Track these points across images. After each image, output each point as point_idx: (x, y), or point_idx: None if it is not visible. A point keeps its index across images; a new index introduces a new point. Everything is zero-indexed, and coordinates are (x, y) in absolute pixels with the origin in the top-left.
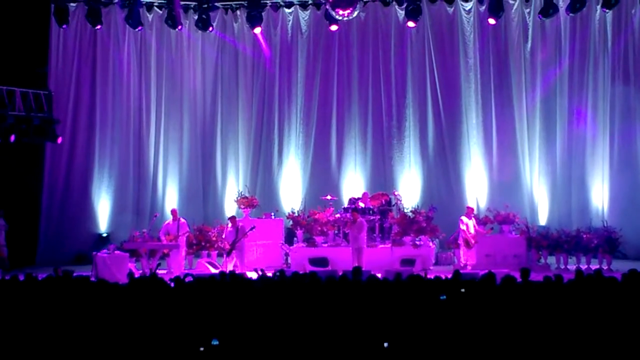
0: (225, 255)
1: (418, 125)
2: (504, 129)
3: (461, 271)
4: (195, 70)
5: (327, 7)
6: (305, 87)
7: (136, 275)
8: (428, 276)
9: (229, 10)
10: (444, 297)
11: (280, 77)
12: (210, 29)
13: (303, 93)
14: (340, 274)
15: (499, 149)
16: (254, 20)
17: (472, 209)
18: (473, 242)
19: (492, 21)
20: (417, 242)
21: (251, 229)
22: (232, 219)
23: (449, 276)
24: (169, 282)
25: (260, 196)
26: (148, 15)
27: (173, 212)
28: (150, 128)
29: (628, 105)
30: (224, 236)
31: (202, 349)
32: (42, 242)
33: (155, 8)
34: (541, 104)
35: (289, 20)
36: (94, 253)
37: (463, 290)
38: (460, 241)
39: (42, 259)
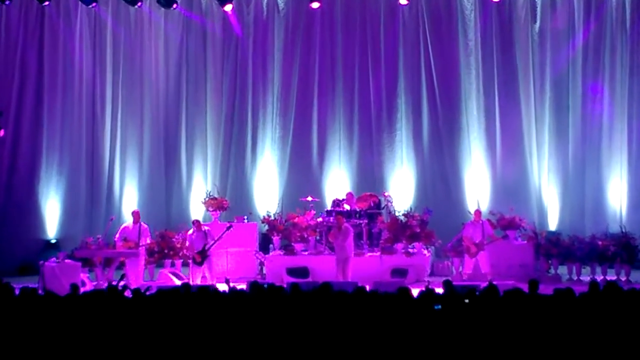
0: (192, 265)
1: (411, 117)
2: (508, 121)
3: (457, 282)
4: (157, 53)
5: None
6: (283, 73)
7: (90, 287)
8: (430, 287)
9: None
10: (439, 306)
11: (254, 62)
12: (174, 5)
13: (280, 80)
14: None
15: (503, 144)
16: None
17: (480, 212)
18: (474, 250)
19: None
20: (410, 250)
21: (228, 229)
22: (196, 222)
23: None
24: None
25: (232, 197)
26: None
27: (135, 214)
28: (105, 119)
29: None
30: (187, 244)
31: None
32: None
33: None
34: (551, 92)
35: None
36: (41, 262)
37: (467, 300)
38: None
39: None
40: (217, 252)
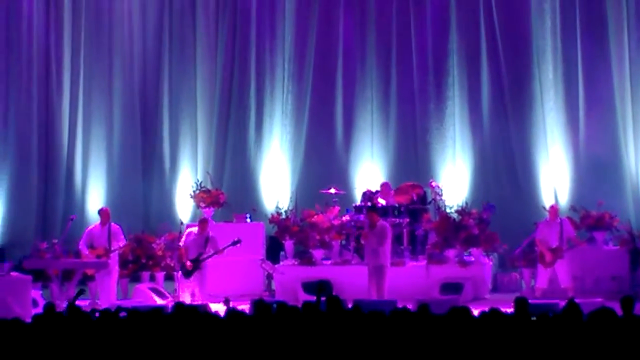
0: (180, 276)
1: (466, 83)
2: (595, 88)
3: (531, 300)
4: (131, 3)
5: None
6: (297, 26)
7: (42, 309)
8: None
9: None
10: None
11: (258, 11)
12: None
13: (293, 35)
14: (351, 305)
15: (588, 116)
16: None
17: (558, 208)
18: (550, 258)
19: None
20: (466, 258)
21: (234, 243)
22: (203, 222)
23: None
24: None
25: (230, 189)
26: None
27: (103, 212)
28: (63, 88)
29: None
30: (181, 243)
31: None
32: None
33: None
34: None
35: None
36: None
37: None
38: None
39: None
40: (211, 261)
